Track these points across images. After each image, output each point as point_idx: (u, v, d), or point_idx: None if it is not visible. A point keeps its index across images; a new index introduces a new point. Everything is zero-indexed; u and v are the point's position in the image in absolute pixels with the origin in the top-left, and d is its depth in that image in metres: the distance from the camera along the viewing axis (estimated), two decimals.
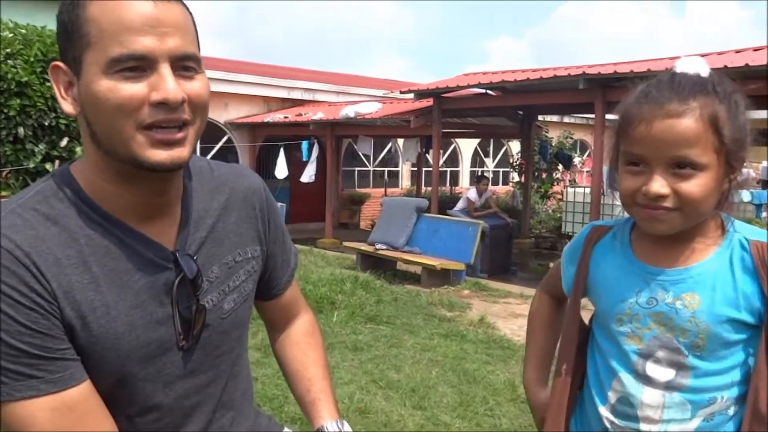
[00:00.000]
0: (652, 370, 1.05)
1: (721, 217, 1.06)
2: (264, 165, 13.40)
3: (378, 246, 8.32)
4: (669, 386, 1.04)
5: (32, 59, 6.00)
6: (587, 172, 16.20)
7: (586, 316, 1.20)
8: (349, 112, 10.72)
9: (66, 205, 0.89)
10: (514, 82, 8.32)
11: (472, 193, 10.16)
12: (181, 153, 0.88)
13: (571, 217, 11.68)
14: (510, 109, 11.28)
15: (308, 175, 11.64)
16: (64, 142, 6.27)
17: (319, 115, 11.51)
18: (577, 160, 15.80)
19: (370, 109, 10.84)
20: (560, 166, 14.07)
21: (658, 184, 0.97)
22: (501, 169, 19.26)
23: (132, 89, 0.83)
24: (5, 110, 5.97)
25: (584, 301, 1.19)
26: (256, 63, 18.42)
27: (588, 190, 10.03)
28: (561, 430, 1.16)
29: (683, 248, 1.05)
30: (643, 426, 1.05)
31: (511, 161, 15.96)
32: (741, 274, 1.01)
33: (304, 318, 1.30)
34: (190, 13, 0.91)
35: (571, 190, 11.98)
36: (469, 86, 9.00)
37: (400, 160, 16.12)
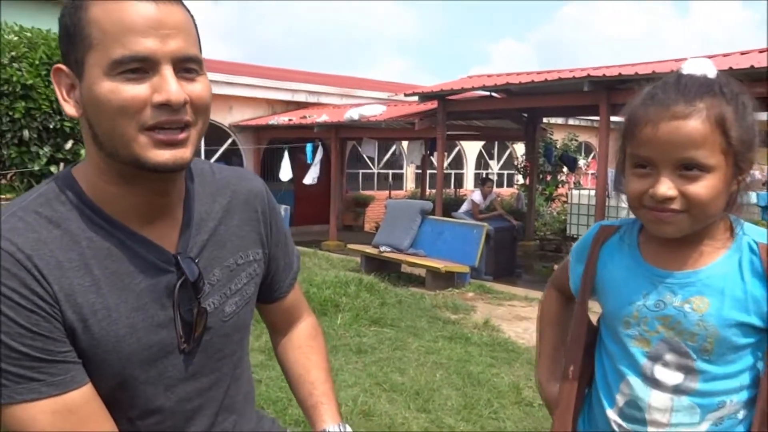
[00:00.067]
0: (661, 373, 1.04)
1: (730, 220, 1.05)
2: (268, 168, 13.41)
3: (382, 248, 8.32)
4: (677, 390, 1.03)
5: (37, 62, 6.02)
6: (592, 174, 16.15)
7: (593, 317, 1.19)
8: (354, 114, 10.73)
9: (68, 207, 0.89)
10: (519, 85, 8.31)
11: (476, 196, 10.14)
12: (183, 153, 0.87)
13: (576, 219, 11.64)
14: (514, 111, 11.27)
15: (311, 177, 11.64)
16: (68, 145, 6.29)
17: (323, 117, 11.53)
18: (581, 162, 15.77)
19: (374, 111, 10.85)
20: (565, 169, 14.04)
21: (665, 186, 0.96)
22: (505, 172, 19.23)
23: (134, 91, 0.83)
24: (10, 113, 6.00)
25: (591, 302, 1.18)
26: (261, 66, 18.46)
27: (593, 192, 10.00)
28: (568, 431, 1.16)
29: (691, 251, 1.04)
30: (651, 429, 1.05)
31: (515, 163, 15.94)
32: (750, 277, 1.00)
33: (307, 321, 1.29)
34: (192, 16, 0.91)
35: (575, 192, 11.95)
36: (473, 88, 9.00)
37: (405, 162, 16.11)
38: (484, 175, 12.91)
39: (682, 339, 1.01)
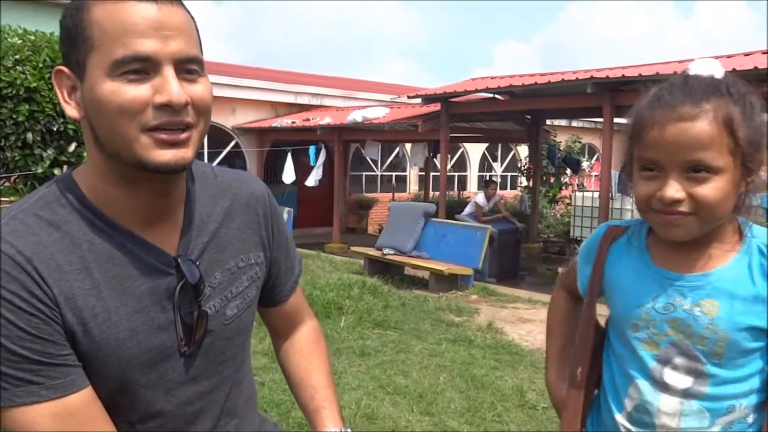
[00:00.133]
0: (670, 377, 1.03)
1: (738, 222, 1.04)
2: (271, 170, 13.43)
3: (386, 251, 8.31)
4: (687, 394, 1.02)
5: (41, 65, 6.04)
6: (595, 176, 16.13)
7: (601, 319, 1.18)
8: (357, 116, 10.73)
9: (68, 210, 0.89)
10: (522, 87, 8.30)
11: (480, 198, 10.13)
12: (185, 153, 0.87)
13: (580, 221, 11.62)
14: (518, 113, 11.26)
15: (313, 180, 11.65)
16: (72, 148, 6.31)
17: (326, 120, 11.54)
18: (585, 164, 15.75)
19: (377, 113, 10.85)
20: (568, 171, 14.02)
21: (673, 189, 0.96)
22: (509, 174, 19.22)
23: (135, 91, 0.83)
24: (14, 116, 6.01)
25: (599, 304, 1.17)
26: (264, 68, 18.50)
27: (596, 194, 9.98)
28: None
29: (701, 253, 1.03)
30: None
31: (519, 165, 15.93)
32: (760, 280, 0.99)
33: (309, 325, 1.28)
34: (193, 17, 0.91)
35: (579, 194, 11.94)
36: (476, 91, 8.99)
37: (408, 164, 16.12)
38: (487, 178, 12.89)
39: (692, 342, 1.00)
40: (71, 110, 0.89)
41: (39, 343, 0.82)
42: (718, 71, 1.01)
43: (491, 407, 3.80)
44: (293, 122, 12.23)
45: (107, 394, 0.89)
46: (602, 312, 1.17)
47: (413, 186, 16.87)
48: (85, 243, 0.88)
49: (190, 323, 0.96)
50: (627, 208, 10.42)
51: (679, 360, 1.02)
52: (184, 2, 0.91)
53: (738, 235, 1.04)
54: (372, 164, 15.85)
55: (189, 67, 0.87)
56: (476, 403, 3.84)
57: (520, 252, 9.69)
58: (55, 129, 6.21)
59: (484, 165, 18.66)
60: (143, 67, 0.83)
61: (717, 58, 7.24)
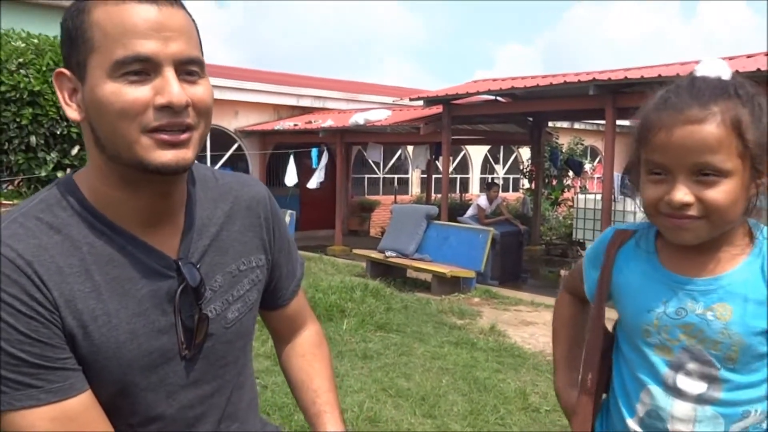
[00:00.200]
0: (683, 382, 1.01)
1: (749, 224, 1.03)
2: (274, 172, 13.45)
3: (388, 253, 8.31)
4: (700, 399, 1.00)
5: (44, 68, 6.06)
6: (598, 178, 16.12)
7: (608, 323, 1.17)
8: (359, 119, 10.74)
9: (69, 213, 0.89)
10: (524, 89, 8.30)
11: (482, 200, 10.12)
12: (185, 154, 0.87)
13: (582, 223, 11.60)
14: (520, 115, 11.25)
15: (315, 182, 11.66)
16: (75, 151, 6.33)
17: (328, 122, 11.55)
18: (587, 166, 15.74)
19: (379, 116, 10.86)
20: (571, 173, 14.01)
21: (682, 193, 0.94)
22: (511, 176, 19.21)
23: (136, 93, 0.83)
24: (18, 119, 6.03)
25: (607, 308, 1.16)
26: (266, 71, 18.53)
27: (599, 196, 9.97)
28: None
29: (711, 256, 1.01)
30: None
31: (521, 168, 15.92)
32: None
33: (311, 329, 1.28)
34: (193, 19, 0.91)
35: (581, 196, 11.92)
36: (478, 93, 8.99)
37: (410, 167, 16.12)
38: (489, 180, 12.87)
39: (705, 347, 0.99)
40: (72, 112, 0.88)
41: (38, 346, 0.81)
42: (725, 72, 0.99)
43: (494, 410, 3.79)
44: (295, 125, 12.24)
45: (107, 398, 0.89)
46: (609, 315, 1.16)
47: (415, 188, 16.87)
48: (85, 246, 0.88)
49: (190, 326, 0.95)
50: (629, 211, 10.40)
51: (692, 365, 1.00)
52: (185, 3, 0.91)
53: (748, 237, 1.02)
54: (374, 167, 15.85)
55: (189, 68, 0.87)
56: (479, 406, 3.83)
57: (523, 254, 9.67)
58: (58, 132, 6.23)
59: (486, 167, 18.65)
60: (144, 68, 0.83)
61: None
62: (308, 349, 1.25)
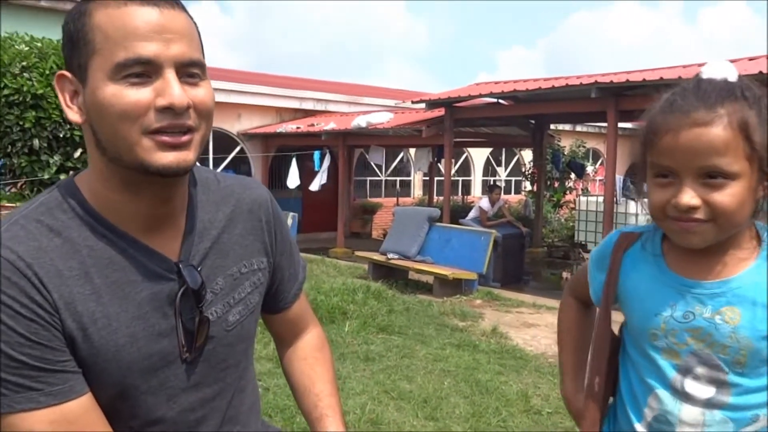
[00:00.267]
0: (691, 387, 1.00)
1: (756, 227, 1.02)
2: (276, 175, 13.46)
3: (390, 255, 8.31)
4: (709, 404, 0.99)
5: (47, 72, 6.08)
6: (600, 180, 16.10)
7: (614, 326, 1.16)
8: (361, 122, 10.75)
9: (69, 216, 0.89)
10: (526, 92, 8.30)
11: (484, 203, 10.12)
12: (186, 156, 0.87)
13: (584, 226, 11.61)
14: (522, 118, 11.26)
15: (317, 184, 11.68)
16: (77, 154, 6.34)
17: (331, 125, 11.56)
18: (589, 168, 15.73)
19: (381, 119, 10.87)
20: (572, 175, 14.00)
21: (688, 196, 0.93)
22: (513, 178, 19.20)
23: (137, 95, 0.83)
24: (21, 122, 6.05)
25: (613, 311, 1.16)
26: (269, 74, 18.56)
27: (601, 198, 9.97)
28: None
29: (718, 260, 1.00)
30: None
31: (523, 170, 15.91)
32: None
33: (313, 332, 1.27)
34: (195, 22, 0.91)
35: (583, 198, 11.93)
36: (480, 96, 9.00)
37: (412, 169, 16.13)
38: (491, 182, 12.88)
39: (714, 351, 0.98)
40: (73, 114, 0.88)
41: (38, 349, 0.81)
42: (731, 74, 0.98)
43: (496, 412, 3.78)
44: (298, 128, 12.26)
45: (107, 400, 0.89)
46: (614, 318, 1.15)
47: (417, 191, 16.87)
48: (85, 248, 0.88)
49: (191, 329, 0.95)
50: (631, 213, 10.39)
51: (700, 369, 0.99)
52: (186, 4, 0.91)
53: (756, 240, 1.01)
54: (376, 169, 15.86)
55: (191, 70, 0.87)
56: (481, 409, 3.83)
57: (525, 256, 9.66)
58: (61, 135, 6.25)
59: (488, 170, 18.65)
60: (145, 71, 0.83)
61: None
62: (310, 352, 1.24)
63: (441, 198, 11.60)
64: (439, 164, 12.94)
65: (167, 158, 0.85)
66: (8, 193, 6.15)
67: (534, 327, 6.22)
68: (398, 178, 16.69)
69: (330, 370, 1.24)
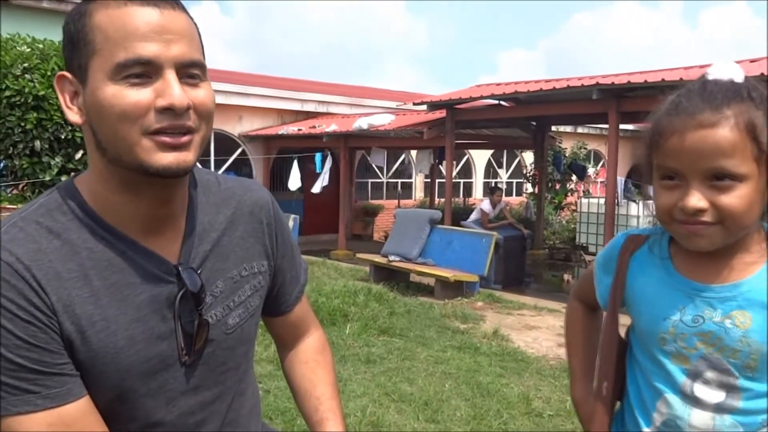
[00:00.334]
0: (701, 391, 0.99)
1: (765, 229, 1.01)
2: (278, 177, 13.46)
3: (391, 258, 8.31)
4: (719, 408, 0.98)
5: (49, 73, 6.10)
6: (601, 182, 16.10)
7: (620, 329, 1.15)
8: (363, 124, 10.76)
9: (69, 218, 0.89)
10: (527, 93, 8.30)
11: (486, 205, 10.12)
12: (186, 156, 0.86)
13: (585, 228, 11.59)
14: (523, 119, 11.26)
15: (319, 186, 11.69)
16: (79, 155, 6.35)
17: (332, 127, 11.57)
18: (590, 170, 15.72)
19: (383, 120, 10.87)
20: (574, 177, 14.00)
21: (695, 198, 0.92)
22: (514, 180, 19.19)
23: (137, 95, 0.82)
24: (22, 124, 6.06)
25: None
26: (270, 76, 18.57)
27: (602, 200, 9.96)
28: None
29: (727, 263, 0.99)
30: None
31: (524, 172, 15.90)
32: None
33: (314, 335, 1.26)
34: (195, 23, 0.91)
35: (585, 200, 11.91)
36: (482, 97, 9.00)
37: (414, 171, 16.12)
38: (493, 184, 12.89)
39: (724, 356, 0.97)
40: (73, 115, 0.88)
41: (36, 351, 0.81)
42: (737, 75, 0.97)
43: (497, 415, 3.78)
44: (299, 129, 12.27)
45: (106, 403, 0.89)
46: (620, 321, 1.14)
47: (419, 193, 16.87)
48: (84, 250, 0.87)
49: (190, 332, 0.95)
50: (633, 215, 10.39)
51: (710, 374, 0.98)
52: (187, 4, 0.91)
53: (765, 242, 1.00)
54: (378, 171, 15.86)
55: (191, 71, 0.86)
56: (482, 411, 3.82)
57: (526, 259, 9.66)
58: (62, 137, 6.25)
59: (490, 171, 18.65)
60: (145, 71, 0.83)
61: None
62: (311, 355, 1.23)
63: (442, 200, 11.59)
64: (440, 166, 12.94)
65: (167, 159, 0.85)
66: (9, 195, 6.16)
67: (535, 329, 6.21)
68: (399, 180, 16.69)
69: (331, 373, 1.23)
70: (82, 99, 0.87)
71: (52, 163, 6.21)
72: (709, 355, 0.98)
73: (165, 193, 0.92)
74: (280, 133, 12.47)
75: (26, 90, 5.99)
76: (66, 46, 0.88)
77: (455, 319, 6.40)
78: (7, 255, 0.82)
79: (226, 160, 12.92)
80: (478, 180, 18.14)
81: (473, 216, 10.30)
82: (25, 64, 6.14)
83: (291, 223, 9.03)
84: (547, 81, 8.98)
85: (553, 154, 13.13)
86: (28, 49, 6.33)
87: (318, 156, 11.69)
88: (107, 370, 0.87)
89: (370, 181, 16.03)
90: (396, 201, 15.65)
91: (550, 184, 13.36)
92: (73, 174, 1.04)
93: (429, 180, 14.83)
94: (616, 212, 8.14)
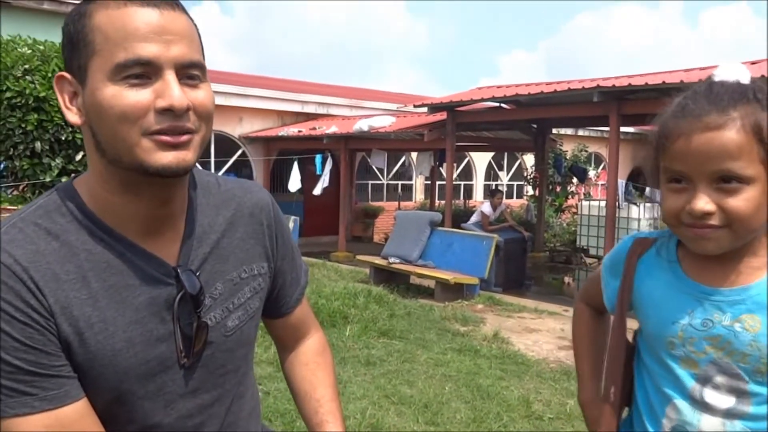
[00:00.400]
0: (711, 396, 0.98)
1: None
2: (278, 179, 13.47)
3: (391, 260, 8.30)
4: (729, 414, 0.97)
5: (50, 75, 6.10)
6: (602, 185, 16.09)
7: (628, 333, 1.14)
8: (363, 125, 10.76)
9: (68, 219, 0.88)
10: (528, 96, 8.31)
11: (486, 207, 10.12)
12: (186, 156, 0.86)
13: (586, 230, 11.58)
14: (524, 122, 11.26)
15: (319, 188, 11.69)
16: (79, 156, 6.35)
17: (332, 128, 11.57)
18: (591, 173, 15.72)
19: (383, 122, 10.88)
20: (575, 180, 14.00)
21: (703, 201, 0.92)
22: (515, 183, 19.19)
23: (137, 96, 0.82)
24: (23, 125, 6.07)
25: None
26: (271, 77, 18.59)
27: (603, 203, 9.96)
28: None
29: (735, 266, 0.98)
30: None
31: (525, 174, 15.91)
32: None
33: (314, 337, 1.26)
34: (195, 24, 0.91)
35: (585, 203, 11.91)
36: (482, 99, 9.01)
37: (414, 173, 16.12)
38: (493, 187, 12.90)
39: (733, 360, 0.96)
40: (72, 116, 0.88)
41: (33, 353, 0.81)
42: (744, 76, 0.96)
43: (497, 418, 3.77)
44: (300, 131, 12.27)
45: (104, 406, 0.88)
46: (628, 325, 1.13)
47: (419, 195, 16.87)
48: (83, 252, 0.87)
49: (189, 334, 0.94)
50: (633, 217, 10.39)
51: (720, 379, 0.97)
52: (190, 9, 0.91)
53: None
54: (378, 173, 15.86)
55: (191, 72, 0.86)
56: (482, 414, 3.81)
57: (526, 261, 9.65)
58: (63, 138, 6.26)
59: (490, 174, 18.65)
60: (145, 72, 0.82)
61: None
62: (311, 357, 1.23)
63: (443, 202, 11.59)
64: (440, 168, 12.94)
65: (167, 158, 0.84)
66: (10, 196, 6.16)
67: (536, 332, 6.20)
68: (400, 182, 16.68)
69: (331, 375, 1.23)
70: (81, 100, 0.86)
71: (53, 164, 6.22)
72: (719, 360, 0.97)
73: (165, 193, 0.92)
74: (280, 134, 12.48)
75: (27, 91, 6.00)
76: (65, 47, 0.88)
77: (455, 322, 6.39)
78: (5, 256, 0.81)
79: (226, 162, 12.92)
80: (479, 182, 18.14)
81: (474, 218, 10.29)
82: (26, 66, 6.15)
83: (291, 225, 9.03)
84: (547, 83, 8.99)
85: (554, 157, 13.13)
86: (29, 51, 6.33)
87: (318, 158, 11.69)
88: (105, 372, 0.87)
89: (370, 182, 16.03)
90: (396, 203, 15.65)
91: (550, 187, 13.36)
92: (72, 175, 1.04)
93: (429, 182, 14.82)
94: (616, 215, 8.14)
